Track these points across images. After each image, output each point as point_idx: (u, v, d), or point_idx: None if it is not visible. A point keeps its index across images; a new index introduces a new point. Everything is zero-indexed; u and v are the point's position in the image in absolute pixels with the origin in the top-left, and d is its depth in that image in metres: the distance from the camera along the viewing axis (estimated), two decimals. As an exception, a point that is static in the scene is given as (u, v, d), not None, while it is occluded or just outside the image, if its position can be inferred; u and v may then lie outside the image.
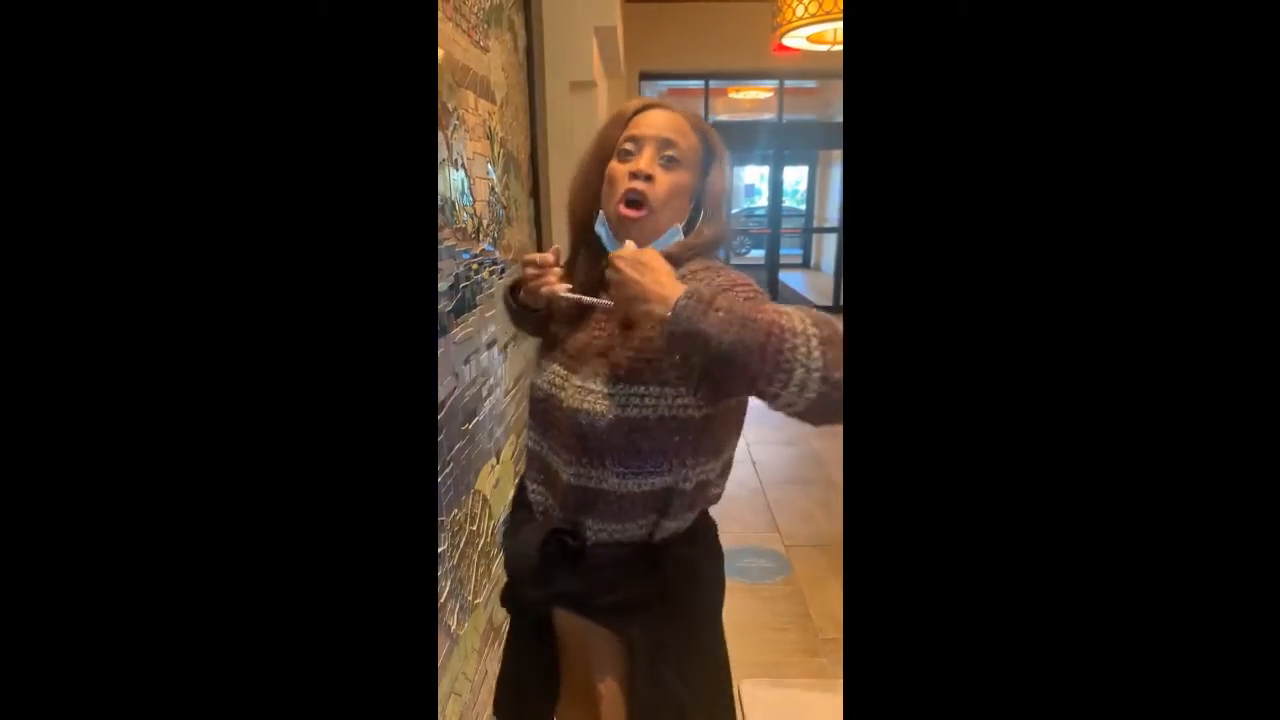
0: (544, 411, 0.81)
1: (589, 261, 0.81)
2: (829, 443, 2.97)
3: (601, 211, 0.79)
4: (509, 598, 0.88)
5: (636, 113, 0.79)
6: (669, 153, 0.76)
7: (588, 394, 0.75)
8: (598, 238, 0.80)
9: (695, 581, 0.82)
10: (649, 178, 0.75)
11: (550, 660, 0.90)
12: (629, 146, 0.78)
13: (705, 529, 0.84)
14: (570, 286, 0.77)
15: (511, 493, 0.93)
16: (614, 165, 0.78)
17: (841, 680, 0.33)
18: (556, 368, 0.81)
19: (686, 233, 0.79)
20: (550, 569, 0.78)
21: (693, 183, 0.79)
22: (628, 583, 0.78)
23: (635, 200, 0.75)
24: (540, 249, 1.69)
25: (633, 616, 0.79)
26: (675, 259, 0.75)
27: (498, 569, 1.31)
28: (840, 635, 1.41)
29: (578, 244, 0.83)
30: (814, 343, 0.58)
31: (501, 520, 0.95)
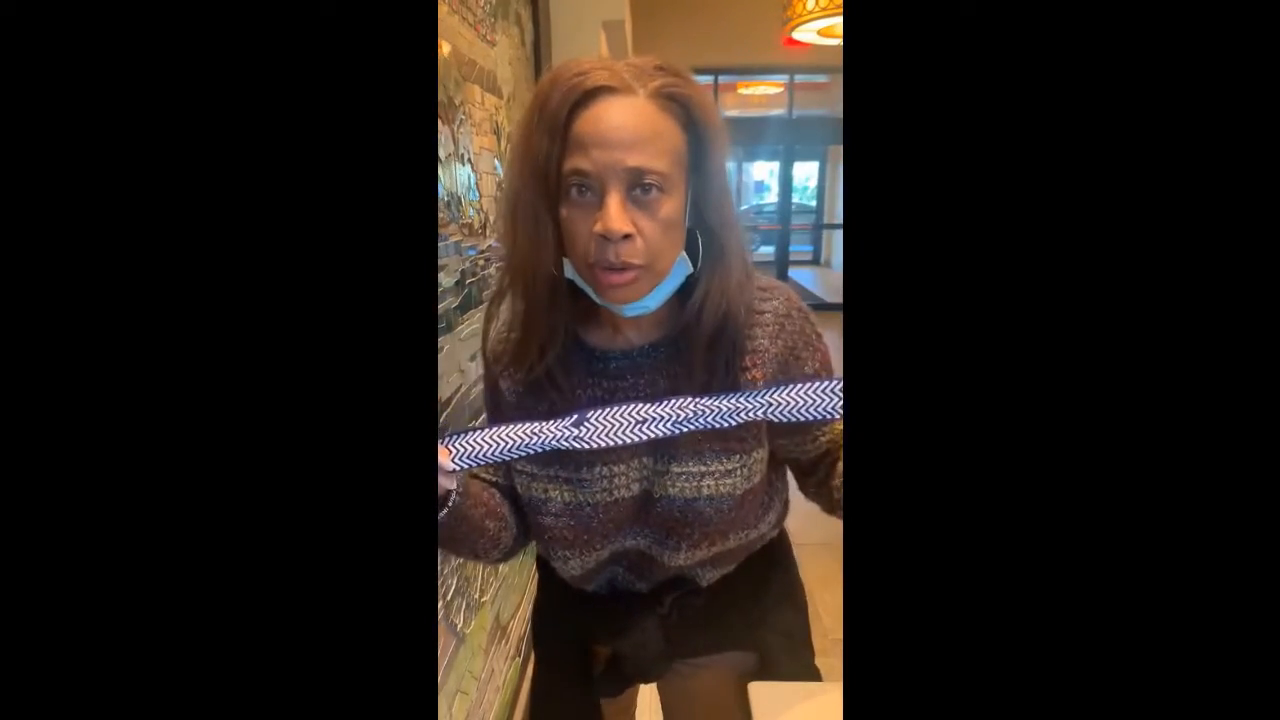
0: (611, 518, 0.64)
1: (560, 313, 0.58)
2: (838, 440, 2.94)
3: (567, 260, 0.56)
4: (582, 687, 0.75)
5: (574, 109, 0.52)
6: (646, 181, 0.52)
7: (700, 476, 0.62)
8: (570, 284, 0.58)
9: (789, 553, 0.82)
10: (626, 236, 0.52)
11: None
12: (578, 183, 0.52)
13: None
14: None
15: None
16: (568, 213, 0.53)
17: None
18: (621, 466, 0.62)
19: (691, 252, 0.57)
20: (673, 633, 0.71)
21: (686, 190, 0.55)
22: (751, 597, 0.75)
23: (616, 266, 0.53)
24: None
25: (763, 622, 0.75)
26: (697, 306, 0.57)
27: (504, 566, 1.32)
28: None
29: (540, 304, 0.57)
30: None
31: (533, 616, 0.85)
